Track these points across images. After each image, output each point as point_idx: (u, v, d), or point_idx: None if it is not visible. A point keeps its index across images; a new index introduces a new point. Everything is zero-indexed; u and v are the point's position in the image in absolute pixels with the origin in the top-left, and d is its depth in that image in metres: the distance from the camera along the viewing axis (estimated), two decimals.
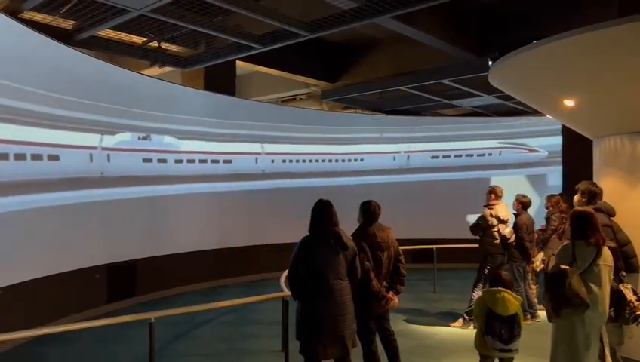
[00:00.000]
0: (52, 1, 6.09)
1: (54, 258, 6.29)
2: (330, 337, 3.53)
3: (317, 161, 11.01)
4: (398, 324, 6.16)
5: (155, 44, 7.71)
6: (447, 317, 6.70)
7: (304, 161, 10.83)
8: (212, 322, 6.72)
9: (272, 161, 10.37)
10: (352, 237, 3.95)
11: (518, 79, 6.10)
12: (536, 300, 6.81)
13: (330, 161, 11.22)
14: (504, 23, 8.50)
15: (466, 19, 8.46)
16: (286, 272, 4.19)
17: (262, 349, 5.62)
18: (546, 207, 7.17)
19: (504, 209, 6.30)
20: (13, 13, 6.24)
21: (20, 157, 5.69)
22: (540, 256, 6.80)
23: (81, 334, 5.78)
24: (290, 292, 3.98)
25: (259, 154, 10.15)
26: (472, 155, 12.18)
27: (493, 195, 6.36)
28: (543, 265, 6.76)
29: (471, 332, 5.96)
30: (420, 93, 11.05)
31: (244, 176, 9.79)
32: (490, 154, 12.19)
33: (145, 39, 7.61)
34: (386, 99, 12.06)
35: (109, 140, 7.41)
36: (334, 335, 3.54)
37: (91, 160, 6.99)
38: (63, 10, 6.48)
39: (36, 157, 5.96)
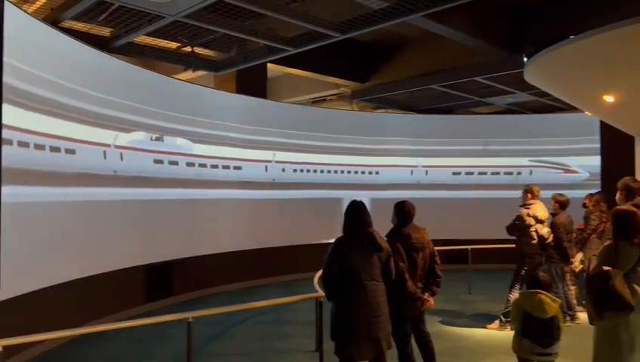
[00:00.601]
0: (90, 10, 6.28)
1: (95, 258, 6.47)
2: (365, 338, 3.53)
3: (347, 171, 10.83)
4: (433, 326, 6.10)
5: (188, 48, 7.86)
6: (483, 319, 6.60)
7: (335, 171, 10.70)
8: (248, 321, 6.80)
9: (313, 171, 10.41)
10: (386, 238, 3.94)
11: (554, 75, 5.98)
12: (575, 302, 6.64)
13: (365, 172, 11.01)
14: (537, 18, 8.32)
15: (498, 15, 8.32)
16: (320, 273, 4.22)
17: (297, 349, 5.66)
18: (585, 206, 6.99)
19: (542, 208, 6.17)
20: (55, 23, 6.46)
21: (55, 150, 5.87)
22: (579, 256, 6.64)
23: (121, 333, 5.94)
24: (324, 293, 4.00)
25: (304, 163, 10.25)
26: (498, 173, 11.17)
27: (529, 194, 6.23)
28: (582, 266, 6.60)
29: (508, 334, 5.85)
30: (452, 92, 10.92)
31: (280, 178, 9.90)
32: (519, 173, 11.05)
33: (179, 44, 7.77)
34: (417, 98, 11.96)
35: (152, 144, 7.62)
36: (369, 336, 3.53)
37: (121, 158, 7.15)
38: (101, 19, 6.68)
39: (69, 151, 6.13)
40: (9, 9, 5.03)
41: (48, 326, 4.48)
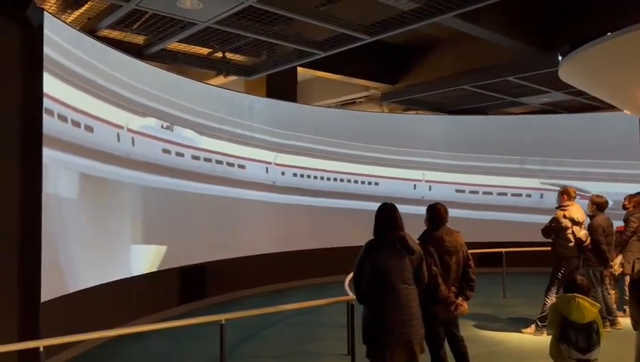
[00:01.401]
0: (125, 19, 6.44)
1: (131, 261, 6.64)
2: (398, 342, 3.50)
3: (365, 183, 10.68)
4: (467, 330, 6.01)
5: (219, 54, 7.97)
6: (519, 323, 6.46)
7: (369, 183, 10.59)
8: (280, 324, 6.84)
9: (346, 182, 10.37)
10: (418, 241, 3.91)
11: (591, 73, 5.81)
12: (615, 306, 6.43)
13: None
14: (574, 15, 8.11)
15: (531, 13, 8.14)
16: (350, 276, 4.21)
17: (328, 352, 5.66)
18: (624, 208, 6.77)
19: (578, 210, 6.00)
20: (91, 32, 6.66)
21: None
22: (619, 259, 6.43)
23: (157, 334, 6.07)
24: (355, 296, 3.99)
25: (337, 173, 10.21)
26: (505, 194, 10.65)
27: (565, 196, 6.08)
28: (621, 269, 6.40)
29: (544, 339, 5.72)
30: (485, 92, 10.73)
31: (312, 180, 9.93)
32: (529, 196, 10.48)
33: (210, 50, 7.89)
34: (448, 99, 11.81)
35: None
36: (402, 340, 3.50)
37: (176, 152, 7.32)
38: (135, 27, 6.84)
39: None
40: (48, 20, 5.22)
41: (87, 326, 4.61)
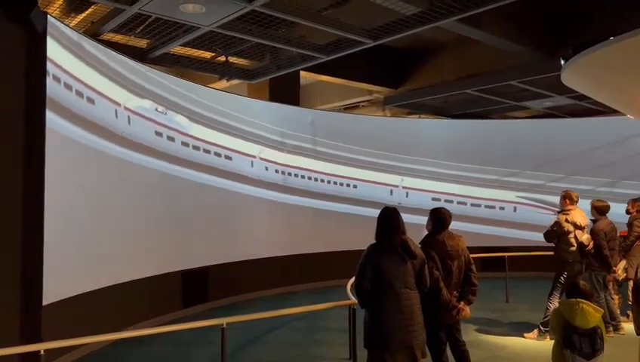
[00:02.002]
0: (128, 22, 6.47)
1: (134, 265, 6.63)
2: (399, 347, 3.48)
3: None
4: (469, 335, 5.99)
5: (222, 58, 7.99)
6: (521, 328, 6.43)
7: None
8: (282, 328, 6.83)
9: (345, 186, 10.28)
10: (420, 245, 3.90)
11: (593, 78, 5.80)
12: (618, 311, 6.39)
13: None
14: (575, 20, 8.11)
15: (534, 17, 8.15)
16: (352, 280, 4.20)
17: (331, 356, 5.65)
18: (628, 212, 6.74)
19: (580, 214, 5.98)
20: (95, 36, 6.69)
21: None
22: (622, 264, 6.40)
23: (159, 337, 6.06)
24: (356, 300, 3.98)
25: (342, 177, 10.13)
26: (479, 205, 10.32)
27: (568, 200, 6.05)
28: (625, 274, 6.37)
29: (547, 344, 5.69)
30: (487, 96, 10.73)
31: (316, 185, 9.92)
32: (502, 208, 10.19)
33: (213, 54, 7.91)
34: (451, 103, 11.82)
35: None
36: (403, 345, 3.49)
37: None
38: (139, 31, 6.87)
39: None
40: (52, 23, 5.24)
41: (89, 329, 4.61)
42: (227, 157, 8.56)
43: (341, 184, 10.10)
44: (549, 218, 9.64)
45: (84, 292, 5.63)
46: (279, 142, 9.44)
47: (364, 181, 10.25)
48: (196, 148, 8.02)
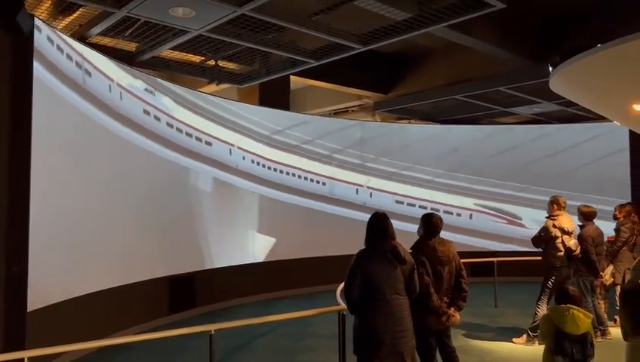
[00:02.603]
0: (117, 25, 6.41)
1: (119, 270, 6.56)
2: (389, 353, 3.47)
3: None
4: (458, 340, 5.98)
5: (212, 62, 7.95)
6: (510, 333, 6.45)
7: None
8: (270, 334, 6.78)
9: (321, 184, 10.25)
10: (411, 251, 3.89)
11: (581, 85, 5.85)
12: (605, 316, 6.43)
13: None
14: (564, 27, 8.19)
15: (523, 24, 8.21)
16: (342, 285, 4.18)
17: None
18: (615, 218, 6.80)
19: (568, 220, 6.02)
20: (83, 39, 6.62)
21: None
22: (610, 269, 6.45)
23: (146, 344, 5.98)
24: (346, 306, 3.96)
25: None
26: (437, 211, 10.21)
27: (555, 206, 6.10)
28: (612, 279, 6.41)
29: (535, 349, 5.72)
30: (476, 102, 10.79)
31: (301, 189, 9.89)
32: (459, 215, 10.27)
33: (203, 58, 7.87)
34: (440, 109, 11.87)
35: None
36: (393, 351, 3.47)
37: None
38: (127, 34, 6.81)
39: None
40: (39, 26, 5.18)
41: (75, 336, 4.53)
42: (219, 161, 8.52)
43: (314, 181, 10.03)
44: (501, 226, 9.88)
45: (69, 299, 5.55)
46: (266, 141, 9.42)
47: (334, 179, 10.24)
48: (188, 151, 7.99)
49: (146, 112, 7.34)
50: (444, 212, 10.29)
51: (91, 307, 5.92)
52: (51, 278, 5.28)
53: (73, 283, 5.67)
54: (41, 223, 5.10)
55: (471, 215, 10.26)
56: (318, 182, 9.97)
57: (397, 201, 10.33)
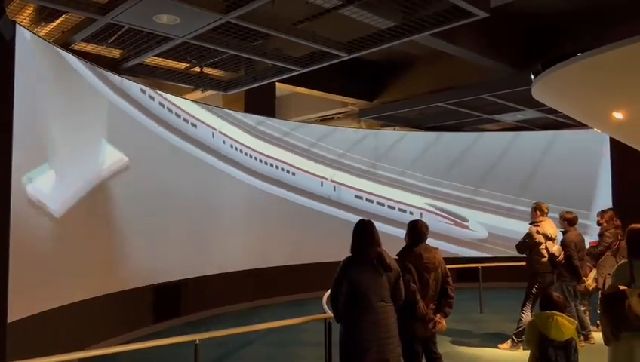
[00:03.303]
0: (101, 32, 6.36)
1: (101, 279, 6.47)
2: (375, 360, 3.47)
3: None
4: (444, 346, 6.00)
5: (197, 69, 7.93)
6: (496, 339, 6.49)
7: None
8: (256, 342, 6.73)
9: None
10: (396, 258, 3.90)
11: (562, 93, 5.95)
12: (589, 321, 6.50)
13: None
14: (546, 35, 8.34)
15: (506, 32, 8.34)
16: (328, 293, 4.17)
17: None
18: (598, 224, 6.89)
19: (551, 226, 6.10)
20: (66, 45, 6.56)
21: None
22: (593, 274, 6.52)
23: (129, 354, 5.88)
24: (332, 314, 3.95)
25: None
26: (393, 208, 10.48)
27: (538, 212, 6.17)
28: (595, 284, 6.48)
29: (521, 354, 5.76)
30: (460, 109, 10.91)
31: (286, 195, 9.87)
32: (411, 213, 10.46)
33: (188, 65, 7.84)
34: (425, 116, 11.97)
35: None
36: (379, 358, 3.47)
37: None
38: (111, 41, 6.76)
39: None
40: (20, 33, 5.12)
41: (57, 347, 4.46)
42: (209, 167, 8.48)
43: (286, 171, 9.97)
44: (447, 227, 10.17)
45: (51, 309, 5.44)
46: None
47: (301, 170, 10.20)
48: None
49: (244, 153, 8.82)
50: (399, 210, 10.48)
51: (74, 317, 5.82)
52: (32, 288, 5.18)
53: (54, 293, 5.57)
54: (22, 231, 5.01)
55: (422, 213, 10.56)
56: (291, 171, 10.00)
57: (356, 196, 10.50)
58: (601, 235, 6.72)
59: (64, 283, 5.73)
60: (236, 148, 9.16)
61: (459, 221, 10.37)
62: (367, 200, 10.53)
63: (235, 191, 9.07)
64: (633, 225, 3.72)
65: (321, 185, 10.28)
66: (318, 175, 10.30)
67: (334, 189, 10.40)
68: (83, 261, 6.08)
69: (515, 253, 6.35)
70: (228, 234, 8.84)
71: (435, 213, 10.57)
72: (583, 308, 6.51)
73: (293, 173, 9.98)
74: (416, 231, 4.15)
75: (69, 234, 5.88)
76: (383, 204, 10.47)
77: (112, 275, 6.64)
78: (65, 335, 5.63)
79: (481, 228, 10.53)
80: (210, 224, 8.55)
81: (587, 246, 6.68)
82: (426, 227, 4.19)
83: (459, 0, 5.29)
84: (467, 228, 10.46)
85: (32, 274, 5.19)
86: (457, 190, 10.86)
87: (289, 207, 9.89)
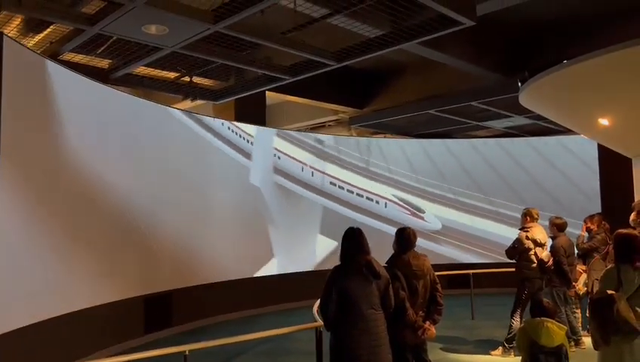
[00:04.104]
0: (89, 43, 6.36)
1: (92, 290, 6.41)
2: None
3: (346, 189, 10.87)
4: (435, 354, 6.00)
5: (186, 78, 7.93)
6: (487, 345, 6.50)
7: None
8: (248, 352, 6.70)
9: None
10: (385, 265, 3.90)
11: (548, 100, 6.02)
12: (579, 326, 6.53)
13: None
14: (533, 43, 8.43)
15: (494, 40, 8.42)
16: (318, 301, 4.16)
17: None
18: (589, 230, 6.91)
19: (541, 231, 6.13)
20: (54, 56, 6.54)
21: None
22: (583, 278, 6.55)
23: None
24: (322, 323, 3.94)
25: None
26: (362, 196, 10.79)
27: (528, 218, 6.20)
28: (585, 288, 6.51)
29: (512, 360, 5.77)
30: (449, 116, 10.98)
31: (277, 204, 9.86)
32: (377, 203, 10.80)
33: (177, 74, 7.84)
34: (415, 123, 12.03)
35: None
36: None
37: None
38: (100, 51, 6.75)
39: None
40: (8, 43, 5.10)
41: (46, 360, 4.41)
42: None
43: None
44: (406, 216, 10.74)
45: (37, 322, 5.36)
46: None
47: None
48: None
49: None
50: (367, 198, 10.85)
51: (64, 329, 5.76)
52: (16, 301, 5.10)
53: (40, 306, 5.50)
54: (3, 242, 4.96)
55: (386, 203, 10.94)
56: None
57: (331, 183, 10.77)
58: (591, 239, 6.76)
59: (50, 296, 5.66)
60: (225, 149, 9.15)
61: (415, 213, 11.02)
62: (339, 186, 10.85)
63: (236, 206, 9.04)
64: (620, 231, 3.75)
65: (302, 170, 10.45)
66: (299, 160, 10.47)
67: (312, 175, 10.55)
68: (71, 272, 6.02)
69: (506, 259, 6.37)
70: (218, 244, 8.80)
71: (396, 203, 11.11)
72: (577, 312, 6.53)
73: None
74: (404, 238, 4.16)
75: (53, 245, 5.82)
76: (352, 192, 10.89)
77: (101, 286, 6.58)
78: (54, 349, 5.56)
79: (435, 220, 11.12)
80: (200, 233, 8.51)
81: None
82: (414, 234, 4.20)
83: (446, 9, 5.34)
84: (422, 218, 11.05)
85: (15, 287, 5.12)
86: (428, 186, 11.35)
87: (279, 214, 9.87)
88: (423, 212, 11.04)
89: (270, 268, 9.50)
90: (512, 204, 10.81)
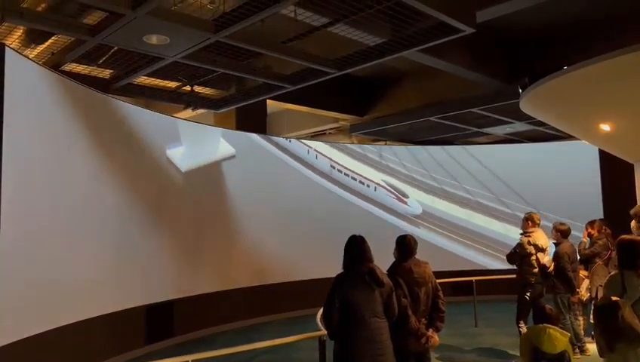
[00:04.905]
0: (91, 53, 6.39)
1: (93, 301, 6.39)
2: None
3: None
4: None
5: (187, 88, 7.96)
6: (490, 353, 6.46)
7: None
8: (252, 361, 6.66)
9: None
10: (386, 273, 3.89)
11: (549, 105, 6.02)
12: (583, 332, 6.49)
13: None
14: (532, 49, 8.46)
15: (494, 47, 8.46)
16: (322, 310, 4.14)
17: None
18: (590, 236, 6.90)
19: (542, 236, 6.11)
20: (56, 66, 6.57)
21: None
22: (585, 284, 6.52)
23: None
24: (326, 331, 3.92)
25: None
26: (355, 179, 11.11)
27: (530, 222, 6.18)
28: (589, 294, 6.48)
29: None
30: (450, 123, 11.00)
31: (278, 212, 9.85)
32: (368, 186, 11.15)
33: (178, 84, 7.87)
34: (415, 130, 12.05)
35: None
36: None
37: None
38: (101, 61, 6.79)
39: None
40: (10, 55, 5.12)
41: None
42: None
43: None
44: (392, 201, 11.04)
45: (38, 333, 5.33)
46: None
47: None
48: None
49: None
50: (359, 182, 11.11)
51: (65, 340, 5.74)
52: (18, 312, 5.09)
53: (41, 317, 5.48)
54: (5, 251, 4.95)
55: (375, 188, 11.19)
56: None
57: (331, 166, 10.94)
58: (592, 245, 6.75)
59: (51, 307, 5.63)
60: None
61: (400, 197, 11.34)
62: (337, 170, 11.05)
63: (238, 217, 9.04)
64: (623, 236, 3.73)
65: (307, 152, 10.58)
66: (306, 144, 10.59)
67: (316, 158, 10.68)
68: (72, 283, 6.00)
69: (508, 265, 6.34)
70: (221, 253, 8.78)
71: (383, 187, 11.36)
72: (580, 319, 6.50)
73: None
74: (405, 245, 4.15)
75: (55, 256, 5.81)
76: (340, 171, 11.04)
77: (100, 296, 6.55)
78: (56, 360, 5.54)
79: (417, 206, 11.39)
80: (203, 242, 8.50)
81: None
82: (415, 242, 4.19)
83: (446, 17, 5.37)
84: (405, 203, 11.37)
85: (17, 298, 5.10)
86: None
87: (283, 223, 9.86)
88: (407, 196, 11.30)
89: (271, 277, 9.45)
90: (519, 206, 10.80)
